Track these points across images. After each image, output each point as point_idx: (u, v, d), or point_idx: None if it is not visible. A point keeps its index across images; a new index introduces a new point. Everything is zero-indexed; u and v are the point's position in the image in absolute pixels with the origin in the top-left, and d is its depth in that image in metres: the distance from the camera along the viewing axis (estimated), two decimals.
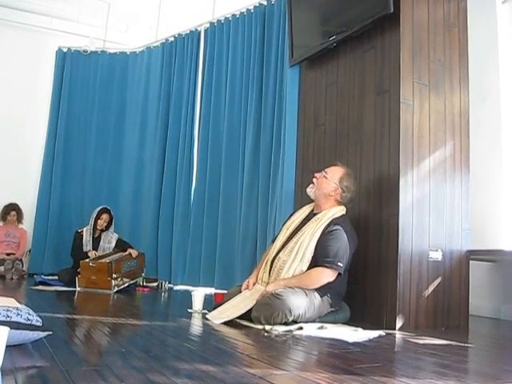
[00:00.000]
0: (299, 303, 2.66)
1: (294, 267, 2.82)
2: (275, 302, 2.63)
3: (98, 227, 5.13)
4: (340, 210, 2.98)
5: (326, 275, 2.77)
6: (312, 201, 3.13)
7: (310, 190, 3.08)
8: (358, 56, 3.41)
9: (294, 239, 2.92)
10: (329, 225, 2.87)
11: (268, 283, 2.86)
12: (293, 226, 3.05)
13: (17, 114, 6.29)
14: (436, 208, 3.04)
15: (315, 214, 3.01)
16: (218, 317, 2.76)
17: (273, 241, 3.17)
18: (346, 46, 3.51)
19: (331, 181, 3.01)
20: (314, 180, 3.07)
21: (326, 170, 3.08)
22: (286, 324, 2.63)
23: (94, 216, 5.11)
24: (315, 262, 2.81)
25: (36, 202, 6.17)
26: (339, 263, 2.76)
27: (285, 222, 3.20)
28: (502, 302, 3.57)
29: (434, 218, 3.02)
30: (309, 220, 3.00)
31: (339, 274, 2.80)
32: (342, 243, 2.81)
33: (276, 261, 2.92)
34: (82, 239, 5.05)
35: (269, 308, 2.63)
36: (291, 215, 3.22)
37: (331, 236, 2.82)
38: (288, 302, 2.62)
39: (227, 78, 5.20)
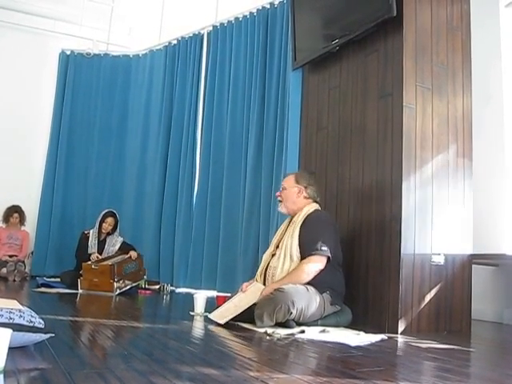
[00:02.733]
0: (301, 296, 2.69)
1: (286, 268, 2.90)
2: (278, 295, 2.67)
3: (103, 231, 5.12)
4: (312, 207, 3.10)
5: (314, 262, 2.84)
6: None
7: (280, 208, 3.21)
8: (361, 59, 3.41)
9: (279, 247, 3.03)
10: (304, 221, 2.98)
11: None
12: (276, 239, 3.16)
13: (20, 115, 6.31)
14: (438, 212, 3.04)
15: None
16: (220, 316, 2.78)
17: None
18: (349, 50, 3.51)
19: (290, 187, 3.15)
20: (279, 198, 3.20)
21: (282, 184, 3.23)
22: (288, 323, 2.64)
23: (99, 219, 5.12)
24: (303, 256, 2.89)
25: (39, 204, 6.18)
26: (323, 248, 2.84)
27: None
28: (504, 306, 3.56)
29: (437, 221, 3.02)
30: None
31: (329, 260, 2.86)
32: (320, 229, 2.93)
33: (268, 270, 3.01)
34: (88, 241, 5.06)
35: (271, 302, 2.66)
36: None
37: (307, 227, 2.95)
38: (290, 294, 2.66)
39: (230, 81, 5.21)
